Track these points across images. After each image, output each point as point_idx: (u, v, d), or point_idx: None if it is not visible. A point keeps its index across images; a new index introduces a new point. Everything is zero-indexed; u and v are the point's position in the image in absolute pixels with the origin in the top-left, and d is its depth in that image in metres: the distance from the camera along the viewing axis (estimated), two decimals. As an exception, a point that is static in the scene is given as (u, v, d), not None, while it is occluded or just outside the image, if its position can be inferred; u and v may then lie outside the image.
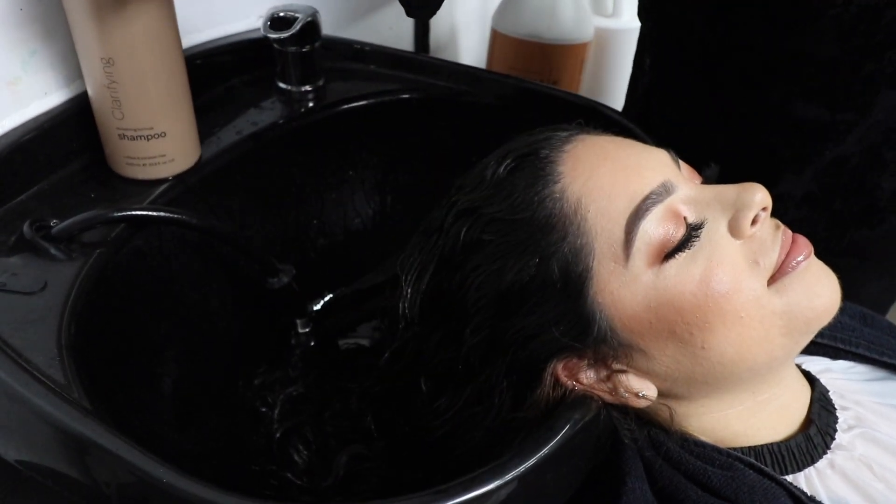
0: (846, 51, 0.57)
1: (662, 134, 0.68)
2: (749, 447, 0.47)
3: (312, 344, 0.74)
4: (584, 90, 1.20)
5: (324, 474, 0.57)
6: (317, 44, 0.74)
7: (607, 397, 0.45)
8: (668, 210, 0.43)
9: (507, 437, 0.45)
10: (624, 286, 0.43)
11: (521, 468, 0.39)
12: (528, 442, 0.40)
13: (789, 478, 0.46)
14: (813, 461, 0.47)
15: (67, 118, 0.61)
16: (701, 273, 0.42)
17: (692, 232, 0.43)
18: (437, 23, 1.21)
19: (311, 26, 0.73)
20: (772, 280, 0.43)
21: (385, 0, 1.06)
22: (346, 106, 0.76)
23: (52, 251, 0.52)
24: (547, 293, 0.43)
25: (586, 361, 0.45)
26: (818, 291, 0.44)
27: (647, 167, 0.45)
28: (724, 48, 0.64)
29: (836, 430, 0.49)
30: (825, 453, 0.47)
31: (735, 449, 0.46)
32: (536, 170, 0.45)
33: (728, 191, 0.45)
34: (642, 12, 0.75)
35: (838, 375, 0.54)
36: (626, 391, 0.44)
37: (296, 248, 0.77)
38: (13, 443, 0.43)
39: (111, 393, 0.48)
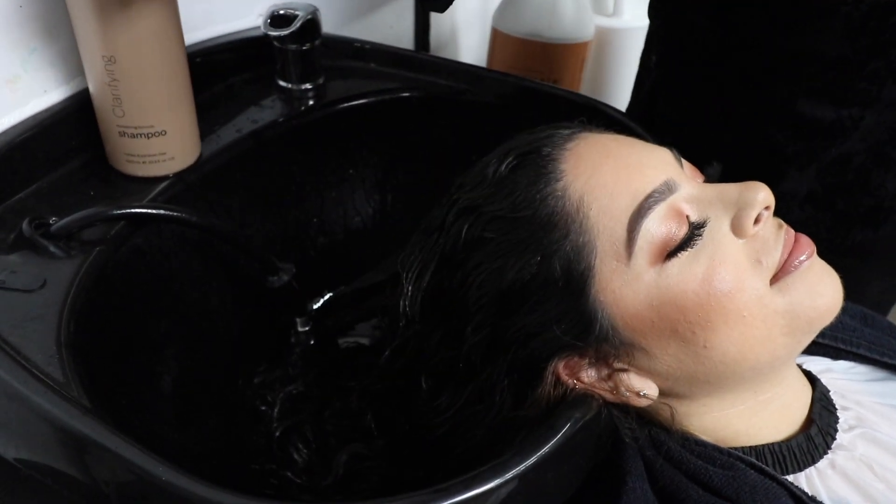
0: (854, 49, 0.57)
1: (667, 132, 0.68)
2: (750, 447, 0.47)
3: (312, 342, 0.73)
4: (585, 89, 1.20)
5: (324, 473, 0.57)
6: (317, 42, 0.74)
7: (608, 396, 0.45)
8: (671, 209, 0.43)
9: (508, 436, 0.45)
10: (626, 285, 0.43)
11: (522, 467, 0.38)
12: (528, 440, 0.40)
13: (790, 478, 0.46)
14: (814, 461, 0.47)
15: (67, 116, 0.61)
16: (703, 272, 0.42)
17: (694, 231, 0.43)
18: (438, 21, 1.21)
19: (312, 24, 0.73)
20: (774, 279, 0.43)
21: (385, -2, 1.06)
22: (346, 104, 0.76)
23: (52, 249, 0.52)
24: (548, 291, 0.43)
25: (587, 360, 0.45)
26: (821, 291, 0.44)
27: (649, 165, 0.44)
28: (729, 46, 0.64)
29: (836, 430, 0.49)
30: (826, 453, 0.47)
31: (736, 448, 0.46)
32: (538, 168, 0.45)
33: (731, 189, 0.44)
34: (651, 10, 0.75)
35: (839, 375, 0.54)
36: (627, 390, 0.44)
37: (296, 247, 0.77)
38: (12, 441, 0.43)
39: (110, 391, 0.48)
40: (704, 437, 0.47)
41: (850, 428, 0.49)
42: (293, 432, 0.61)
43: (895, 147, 0.62)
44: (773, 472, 0.44)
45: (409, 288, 0.49)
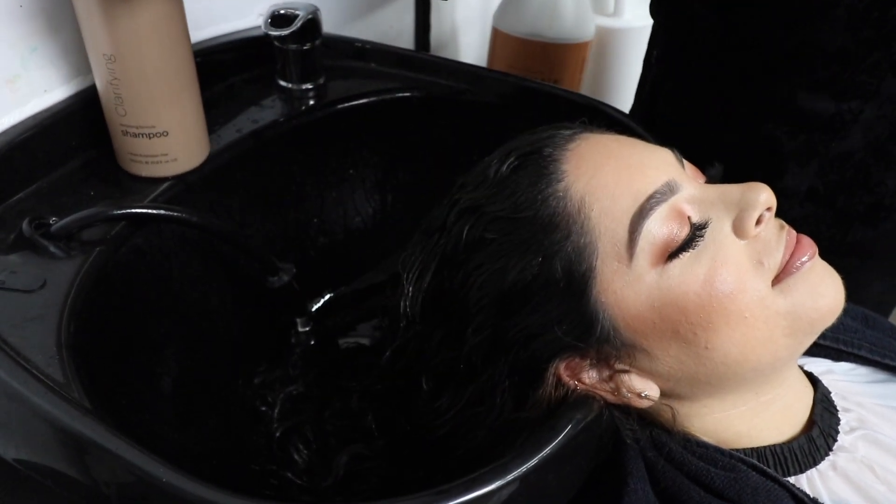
0: (856, 41, 0.57)
1: (668, 129, 0.68)
2: (752, 448, 0.47)
3: (312, 343, 0.73)
4: (585, 89, 1.20)
5: (324, 474, 0.57)
6: (317, 42, 0.74)
7: (609, 397, 0.45)
8: (673, 209, 0.43)
9: (509, 437, 0.45)
10: (627, 286, 0.42)
11: (523, 468, 0.38)
12: (529, 442, 0.40)
13: (791, 479, 0.46)
14: (815, 463, 0.47)
15: (67, 115, 0.61)
16: (705, 273, 0.42)
17: (696, 232, 0.43)
18: (438, 21, 1.21)
19: (312, 24, 0.72)
20: (776, 280, 0.43)
21: (386, -2, 1.06)
22: (346, 104, 0.76)
23: (52, 249, 0.52)
24: (550, 292, 0.43)
25: (589, 361, 0.45)
26: (822, 292, 0.44)
27: (651, 166, 0.44)
28: (730, 39, 0.64)
29: (838, 432, 0.48)
30: (827, 455, 0.47)
31: (737, 450, 0.46)
32: (540, 168, 0.45)
33: (732, 190, 0.44)
34: (654, 6, 0.75)
35: (840, 377, 0.54)
36: (628, 391, 0.44)
37: (296, 247, 0.76)
38: (12, 442, 0.43)
39: (111, 392, 0.48)
40: (706, 439, 0.47)
41: (852, 430, 0.49)
42: (293, 433, 0.61)
43: None
44: (774, 473, 0.44)
45: (410, 288, 0.49)
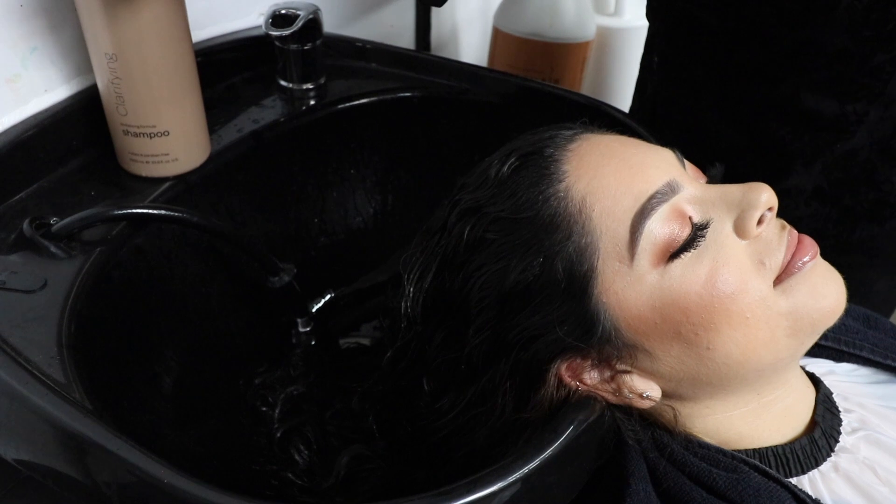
0: (857, 41, 0.57)
1: (671, 131, 0.67)
2: (753, 449, 0.46)
3: (313, 343, 0.73)
4: (586, 89, 1.20)
5: (325, 474, 0.57)
6: (318, 41, 0.74)
7: (611, 398, 0.45)
8: (674, 210, 0.43)
9: (511, 438, 0.45)
10: (629, 286, 0.42)
11: (525, 470, 0.38)
12: (531, 443, 0.40)
13: (793, 480, 0.46)
14: (817, 464, 0.47)
15: (68, 115, 0.61)
16: (706, 273, 0.42)
17: (697, 232, 0.43)
18: (439, 21, 1.21)
19: (313, 24, 0.72)
20: (777, 281, 0.43)
21: (386, -2, 1.06)
22: (347, 104, 0.76)
23: (52, 249, 0.52)
24: (551, 293, 0.43)
25: (590, 362, 0.45)
26: (824, 292, 0.44)
27: (652, 166, 0.44)
28: (732, 41, 0.63)
29: (840, 433, 0.48)
30: (829, 456, 0.47)
31: (739, 451, 0.46)
32: (541, 168, 0.45)
33: (734, 190, 0.44)
34: (651, 11, 0.75)
35: (842, 378, 0.54)
36: (630, 392, 0.44)
37: (297, 247, 0.76)
38: (12, 442, 0.43)
39: (111, 392, 0.48)
40: (707, 439, 0.47)
41: (854, 430, 0.49)
42: (294, 433, 0.61)
43: None
44: (776, 474, 0.44)
45: (411, 289, 0.49)
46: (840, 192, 0.65)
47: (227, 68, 0.76)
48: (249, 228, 0.71)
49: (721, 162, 0.50)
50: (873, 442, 0.48)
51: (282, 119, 0.71)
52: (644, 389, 0.44)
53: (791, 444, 0.47)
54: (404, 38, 1.16)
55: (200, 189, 0.64)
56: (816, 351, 0.55)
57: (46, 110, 0.61)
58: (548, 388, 0.45)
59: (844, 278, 0.45)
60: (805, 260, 0.43)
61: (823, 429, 0.48)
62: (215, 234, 0.60)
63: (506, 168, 0.46)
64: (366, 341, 0.75)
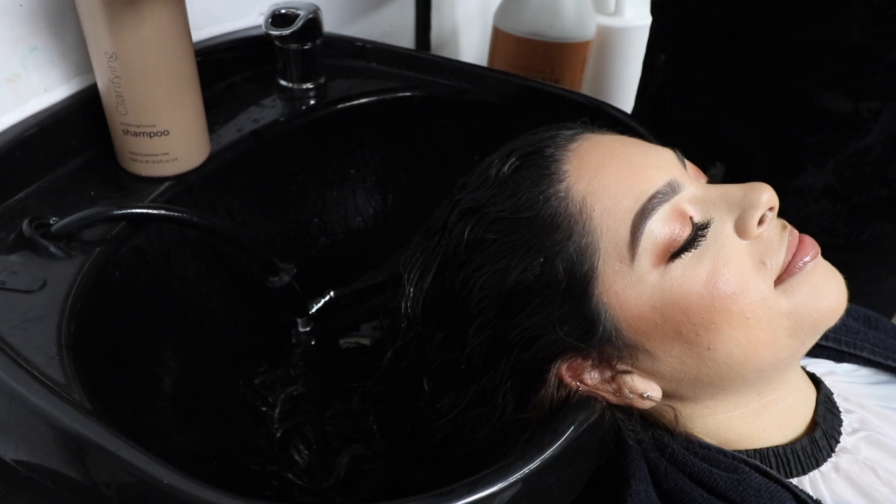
0: (873, 38, 0.57)
1: (678, 132, 0.67)
2: (754, 450, 0.46)
3: (313, 343, 0.73)
4: (586, 89, 1.20)
5: (325, 475, 0.57)
6: (318, 41, 0.74)
7: (611, 398, 0.45)
8: (674, 209, 0.43)
9: (511, 439, 0.45)
10: (629, 286, 0.42)
11: (525, 470, 0.38)
12: (531, 443, 0.40)
13: (794, 480, 0.46)
14: (818, 464, 0.47)
15: (67, 115, 0.61)
16: (707, 273, 0.42)
17: (698, 232, 0.42)
18: (439, 20, 1.21)
19: (313, 23, 0.72)
20: (778, 281, 0.43)
21: (386, -3, 1.06)
22: (347, 104, 0.76)
23: (52, 249, 0.52)
24: (551, 293, 0.43)
25: (591, 362, 0.45)
26: (825, 292, 0.44)
27: (652, 166, 0.44)
28: (746, 39, 0.63)
29: (840, 434, 0.48)
30: (830, 456, 0.47)
31: (740, 451, 0.46)
32: (541, 168, 0.45)
33: (734, 190, 0.44)
34: (657, 8, 0.75)
35: (842, 378, 0.54)
36: (630, 392, 0.44)
37: (297, 247, 0.76)
38: (12, 443, 0.43)
39: (111, 392, 0.48)
40: (708, 440, 0.46)
41: (854, 431, 0.48)
42: (294, 433, 0.61)
43: None
44: (777, 475, 0.44)
45: (411, 289, 0.49)
46: (851, 191, 0.65)
47: (226, 68, 0.76)
48: (249, 228, 0.71)
49: (731, 161, 0.49)
50: (874, 442, 0.48)
51: (282, 119, 0.71)
52: (645, 390, 0.44)
53: (792, 444, 0.47)
54: (404, 37, 1.16)
55: (200, 189, 0.64)
56: (817, 351, 0.55)
57: (46, 110, 0.61)
58: (548, 388, 0.44)
59: (854, 277, 0.45)
60: (806, 260, 0.43)
61: (824, 429, 0.48)
62: (215, 233, 0.60)
63: (506, 168, 0.46)
64: (366, 341, 0.74)
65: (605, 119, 0.55)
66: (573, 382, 0.45)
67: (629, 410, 0.45)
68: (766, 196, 0.43)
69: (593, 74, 1.22)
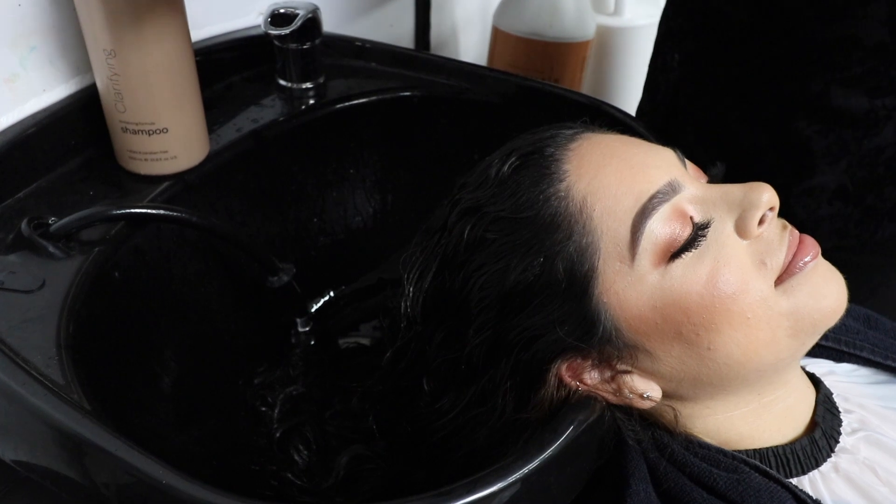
0: (893, 36, 0.56)
1: (691, 131, 0.66)
2: (754, 450, 0.46)
3: (313, 343, 0.73)
4: (586, 88, 1.20)
5: (324, 475, 0.57)
6: (317, 41, 0.74)
7: (611, 398, 0.45)
8: (675, 209, 0.43)
9: (511, 439, 0.45)
10: (630, 286, 0.42)
11: (525, 470, 0.38)
12: (531, 443, 0.40)
13: (793, 480, 0.46)
14: (817, 464, 0.47)
15: (66, 115, 0.61)
16: (707, 273, 0.42)
17: (698, 232, 0.42)
18: (438, 20, 1.21)
19: (312, 23, 0.72)
20: (779, 281, 0.43)
21: (386, -3, 1.06)
22: (346, 103, 0.76)
23: (51, 249, 0.52)
24: (551, 293, 0.43)
25: (590, 362, 0.44)
26: (825, 292, 0.44)
27: (653, 166, 0.44)
28: (764, 37, 0.62)
29: (840, 434, 0.48)
30: (829, 456, 0.47)
31: (740, 451, 0.46)
32: (541, 168, 0.45)
33: (735, 190, 0.44)
34: (671, 8, 0.74)
35: (842, 378, 0.54)
36: (630, 392, 0.44)
37: (296, 247, 0.76)
38: (11, 443, 0.43)
39: (110, 392, 0.48)
40: (708, 440, 0.46)
41: (854, 431, 0.48)
42: (294, 433, 0.61)
43: None
44: (777, 475, 0.44)
45: (411, 289, 0.49)
46: (864, 192, 0.64)
47: (226, 67, 0.76)
48: (248, 228, 0.71)
49: (743, 161, 0.49)
50: (873, 442, 0.48)
51: (281, 118, 0.71)
52: (644, 390, 0.44)
53: (791, 444, 0.47)
54: (404, 37, 1.16)
55: (199, 188, 0.63)
56: (817, 351, 0.55)
57: (45, 110, 0.61)
58: (548, 388, 0.44)
59: (866, 279, 0.45)
60: (806, 260, 0.43)
61: (824, 429, 0.48)
62: (214, 233, 0.60)
63: (506, 167, 0.46)
64: (365, 341, 0.74)
65: (605, 119, 0.55)
66: (573, 382, 0.45)
67: (629, 410, 0.45)
68: (766, 196, 0.43)
69: (593, 74, 1.22)
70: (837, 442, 0.48)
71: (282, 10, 0.71)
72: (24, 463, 0.43)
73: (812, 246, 0.44)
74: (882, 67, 0.58)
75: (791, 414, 0.48)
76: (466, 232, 0.46)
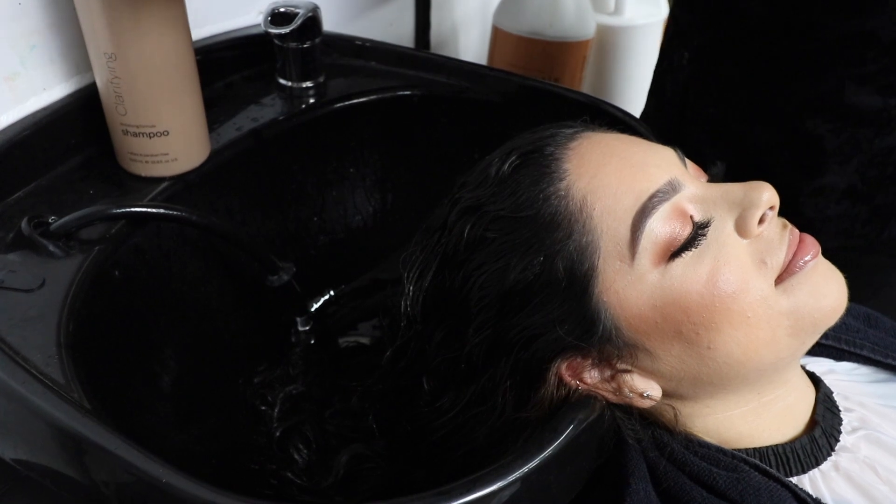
0: None
1: (701, 130, 0.66)
2: (754, 448, 0.46)
3: (313, 342, 0.73)
4: (586, 88, 1.20)
5: (324, 474, 0.57)
6: (317, 40, 0.74)
7: (611, 397, 0.45)
8: (675, 208, 0.43)
9: (510, 438, 0.45)
10: (630, 285, 0.42)
11: (525, 469, 0.38)
12: (531, 442, 0.40)
13: (794, 479, 0.46)
14: (817, 463, 0.47)
15: (66, 114, 0.61)
16: (707, 272, 0.42)
17: (698, 231, 0.42)
18: (438, 19, 1.21)
19: (312, 22, 0.72)
20: (779, 280, 0.43)
21: (386, -4, 1.06)
22: (346, 102, 0.76)
23: (51, 248, 0.52)
24: (551, 292, 0.43)
25: (590, 361, 0.45)
26: (825, 291, 0.44)
27: (653, 165, 0.44)
28: (779, 34, 0.62)
29: (840, 432, 0.48)
30: (829, 455, 0.47)
31: (740, 450, 0.46)
32: (541, 167, 0.45)
33: (735, 189, 0.44)
34: (682, 6, 0.74)
35: (842, 377, 0.54)
36: (630, 391, 0.44)
37: (296, 246, 0.76)
38: (11, 442, 0.43)
39: (110, 392, 0.48)
40: (708, 439, 0.46)
41: (854, 430, 0.48)
42: (293, 432, 0.61)
43: None
44: (777, 473, 0.44)
45: (411, 288, 0.49)
46: (873, 191, 0.64)
47: (226, 67, 0.76)
48: (249, 227, 0.71)
49: (753, 160, 0.48)
50: (874, 441, 0.48)
51: (281, 118, 0.71)
52: (644, 389, 0.44)
53: (791, 443, 0.47)
54: (404, 36, 1.16)
55: (199, 187, 0.63)
56: (817, 350, 0.55)
57: (45, 109, 0.61)
58: (548, 387, 0.44)
59: (871, 279, 0.45)
60: (806, 259, 0.43)
61: (824, 428, 0.48)
62: (214, 232, 0.60)
63: (506, 166, 0.46)
64: (365, 340, 0.74)
65: (605, 118, 0.55)
66: (573, 381, 0.45)
67: (629, 409, 0.45)
68: (766, 195, 0.43)
69: (593, 73, 1.22)
70: (837, 440, 0.48)
71: (282, 9, 0.71)
72: (24, 462, 0.43)
73: (812, 245, 0.44)
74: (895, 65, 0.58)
75: (791, 413, 0.48)
76: (466, 231, 0.46)
